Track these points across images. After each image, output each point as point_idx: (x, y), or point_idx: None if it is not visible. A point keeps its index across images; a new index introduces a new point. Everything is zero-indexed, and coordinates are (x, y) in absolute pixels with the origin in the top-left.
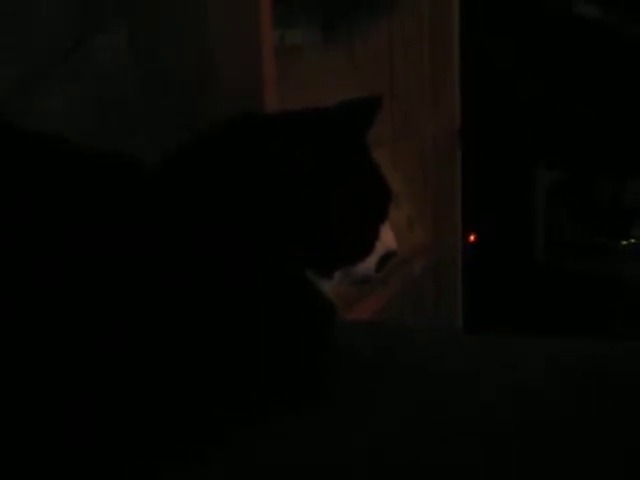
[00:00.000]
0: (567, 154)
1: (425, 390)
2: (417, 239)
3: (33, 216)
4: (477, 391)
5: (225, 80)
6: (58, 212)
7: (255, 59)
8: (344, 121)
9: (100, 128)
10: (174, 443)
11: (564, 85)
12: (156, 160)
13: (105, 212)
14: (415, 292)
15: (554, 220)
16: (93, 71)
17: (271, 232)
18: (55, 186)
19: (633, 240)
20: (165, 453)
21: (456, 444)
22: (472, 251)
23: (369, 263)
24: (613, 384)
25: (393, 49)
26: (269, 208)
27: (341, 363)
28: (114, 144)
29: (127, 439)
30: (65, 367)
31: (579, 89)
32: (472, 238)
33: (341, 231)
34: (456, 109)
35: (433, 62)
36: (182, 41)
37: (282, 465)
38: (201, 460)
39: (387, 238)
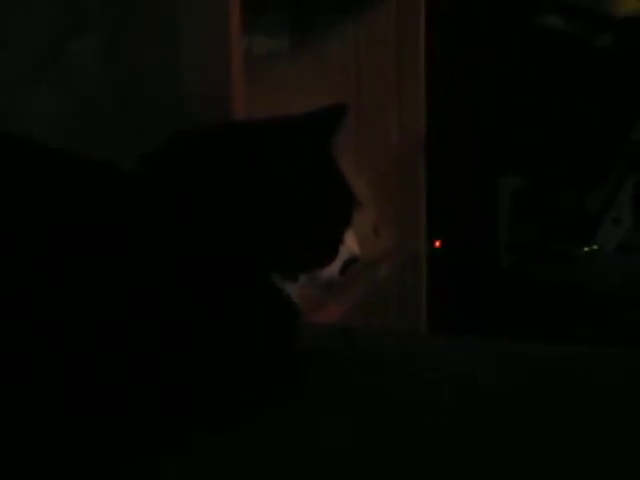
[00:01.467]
0: (530, 161)
1: (389, 390)
2: (382, 243)
3: (7, 219)
4: (439, 392)
5: (195, 86)
6: (34, 214)
7: (224, 66)
8: (310, 129)
9: (76, 130)
10: (140, 443)
11: (528, 93)
12: (130, 165)
13: (82, 215)
14: (380, 296)
15: (518, 226)
16: (70, 74)
17: (238, 236)
18: (30, 189)
19: (596, 246)
20: (130, 453)
21: (417, 446)
22: (437, 256)
23: (333, 267)
24: (575, 384)
25: (360, 56)
26: (237, 213)
27: (305, 364)
28: (90, 146)
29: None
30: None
31: (543, 97)
32: (438, 243)
33: (306, 236)
34: (421, 115)
35: (399, 68)
36: (153, 47)
37: (241, 465)
38: (155, 459)
39: (351, 243)
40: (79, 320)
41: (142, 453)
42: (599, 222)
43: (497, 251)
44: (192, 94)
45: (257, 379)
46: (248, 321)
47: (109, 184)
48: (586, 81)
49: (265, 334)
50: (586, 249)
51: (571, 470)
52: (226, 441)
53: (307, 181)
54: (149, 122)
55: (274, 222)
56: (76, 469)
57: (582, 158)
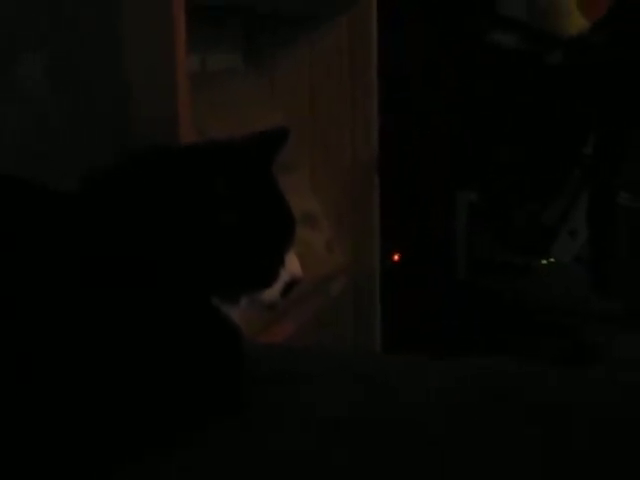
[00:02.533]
0: (487, 175)
1: (336, 407)
2: (336, 260)
3: None
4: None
5: (142, 103)
6: None
7: (170, 84)
8: (249, 153)
9: (22, 152)
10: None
11: (482, 109)
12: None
13: (17, 241)
14: (334, 313)
15: (475, 240)
16: (16, 96)
17: (178, 259)
18: None
19: (552, 259)
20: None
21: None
22: (395, 270)
23: (274, 290)
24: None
25: (313, 74)
26: (176, 236)
27: (246, 385)
28: (39, 164)
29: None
30: None
31: (497, 113)
32: (396, 258)
33: (246, 259)
34: (374, 133)
35: (353, 86)
36: (99, 66)
37: None
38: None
39: (292, 265)
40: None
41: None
42: (555, 235)
43: (454, 265)
44: (139, 112)
45: (197, 401)
46: (188, 345)
47: (39, 207)
48: (539, 97)
49: (205, 356)
50: (543, 261)
51: None
52: (163, 465)
53: (247, 205)
54: (97, 140)
55: (214, 245)
56: None
57: (537, 172)
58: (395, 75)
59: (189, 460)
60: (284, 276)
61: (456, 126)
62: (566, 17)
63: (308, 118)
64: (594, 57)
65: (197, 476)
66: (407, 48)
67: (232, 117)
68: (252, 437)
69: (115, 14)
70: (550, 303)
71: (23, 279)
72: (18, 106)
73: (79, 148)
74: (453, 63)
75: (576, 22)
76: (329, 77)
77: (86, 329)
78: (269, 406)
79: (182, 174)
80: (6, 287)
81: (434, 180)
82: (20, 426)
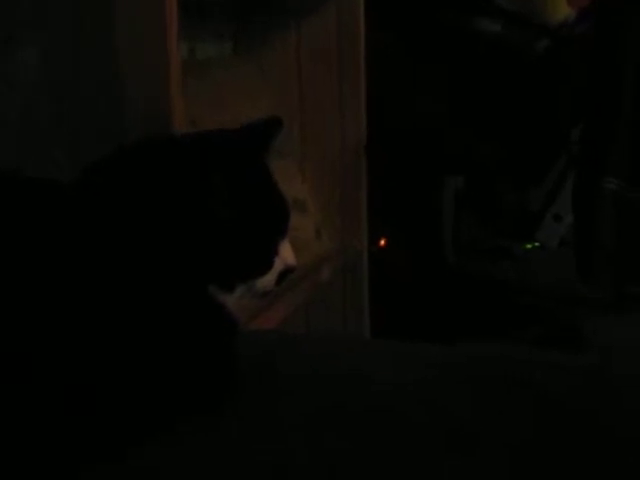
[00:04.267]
0: (473, 160)
1: (323, 396)
2: (325, 246)
3: None
4: (374, 395)
5: (133, 94)
6: None
7: (163, 74)
8: (244, 143)
9: (15, 145)
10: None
11: (469, 95)
12: (72, 177)
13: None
14: (323, 298)
15: (462, 224)
16: (6, 87)
17: (175, 249)
18: None
19: (537, 243)
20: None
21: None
22: (382, 255)
23: (269, 278)
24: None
25: (302, 61)
26: (172, 226)
27: (242, 375)
28: (30, 160)
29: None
30: None
31: (485, 100)
32: (382, 243)
33: (241, 248)
34: (362, 120)
35: (341, 73)
36: (90, 55)
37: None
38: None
39: (286, 254)
40: None
41: (69, 461)
42: (541, 219)
43: (442, 249)
44: (132, 102)
45: (194, 388)
46: (184, 332)
47: (42, 198)
48: (525, 84)
49: (202, 344)
50: (528, 246)
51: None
52: (158, 454)
53: (241, 194)
54: (89, 130)
55: (209, 235)
56: None
57: (524, 157)
58: (381, 61)
59: (179, 455)
60: (278, 265)
61: (442, 113)
62: (550, 5)
63: (297, 104)
64: (580, 46)
65: (188, 471)
66: (393, 34)
67: (222, 104)
68: (239, 430)
69: (108, 4)
70: (536, 287)
71: (18, 273)
72: (9, 96)
73: (70, 137)
74: (440, 48)
75: (561, 9)
76: (318, 63)
77: (81, 321)
78: (257, 399)
79: (177, 166)
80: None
81: (419, 165)
82: (8, 420)
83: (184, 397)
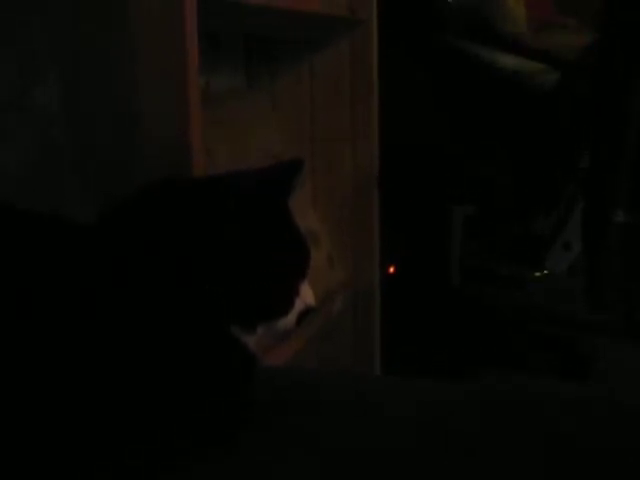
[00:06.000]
0: (483, 188)
1: (341, 438)
2: (337, 276)
3: None
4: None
5: (152, 127)
6: None
7: (182, 108)
8: (267, 185)
9: (35, 182)
10: None
11: (477, 126)
12: (91, 216)
13: (38, 274)
14: (335, 329)
15: (470, 251)
16: (27, 128)
17: (198, 290)
18: None
19: (546, 271)
20: None
21: None
22: (391, 282)
23: (290, 318)
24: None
25: (314, 94)
26: (195, 267)
27: (258, 413)
28: (49, 197)
29: None
30: None
31: (492, 130)
32: (391, 270)
33: (263, 289)
34: (375, 150)
35: (353, 104)
36: (110, 88)
37: None
38: None
39: (306, 294)
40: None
41: None
42: (550, 247)
43: (449, 277)
44: (150, 138)
45: (211, 422)
46: (207, 372)
47: (61, 239)
48: (536, 114)
49: (221, 380)
50: (537, 274)
51: None
52: None
53: (263, 236)
54: (105, 162)
55: (230, 277)
56: None
57: (533, 185)
58: (394, 91)
59: None
60: (299, 304)
61: (452, 142)
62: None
63: (309, 136)
64: (590, 79)
65: None
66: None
67: (235, 136)
68: (256, 466)
69: (129, 40)
70: (544, 315)
71: (44, 316)
72: (30, 132)
73: (88, 170)
74: (452, 79)
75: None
76: (330, 95)
77: (101, 360)
78: (274, 434)
79: (200, 208)
80: (27, 322)
81: (428, 193)
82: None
83: (202, 430)
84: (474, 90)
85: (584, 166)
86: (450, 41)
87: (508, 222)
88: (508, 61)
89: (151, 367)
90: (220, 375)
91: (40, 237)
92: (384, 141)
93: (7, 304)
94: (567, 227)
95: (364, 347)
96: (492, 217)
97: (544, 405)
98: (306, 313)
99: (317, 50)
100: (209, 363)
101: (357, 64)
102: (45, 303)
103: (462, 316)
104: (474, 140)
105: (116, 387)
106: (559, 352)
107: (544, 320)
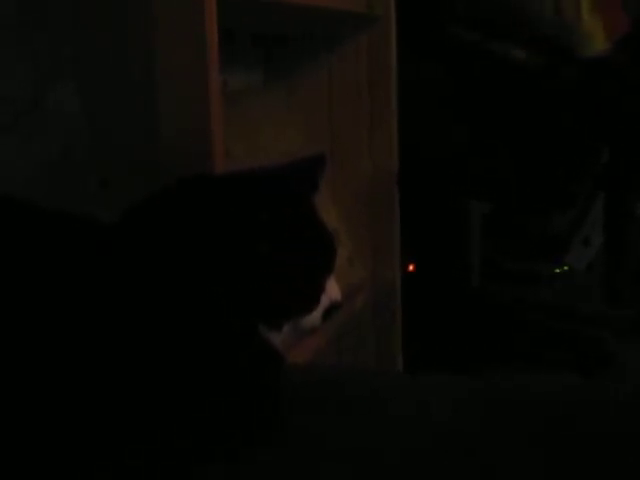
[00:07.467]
0: (501, 184)
1: (370, 435)
2: (358, 274)
3: None
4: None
5: (172, 128)
6: (13, 271)
7: (202, 107)
8: (292, 181)
9: (53, 184)
10: None
11: (494, 122)
12: (112, 215)
13: (61, 273)
14: (356, 327)
15: (489, 248)
16: (46, 128)
17: (225, 288)
18: (9, 245)
19: (566, 267)
20: None
21: None
22: (410, 280)
23: (315, 315)
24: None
25: (333, 91)
26: (223, 266)
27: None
28: (67, 198)
29: None
30: None
31: (508, 126)
32: (411, 268)
33: (289, 286)
34: (394, 148)
35: (372, 102)
36: (129, 88)
37: None
38: None
39: (332, 291)
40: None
41: None
42: (569, 243)
43: (469, 275)
44: (170, 137)
45: (240, 422)
46: (235, 370)
47: (87, 237)
48: (554, 110)
49: (248, 379)
50: (557, 270)
51: None
52: None
53: (289, 233)
54: (123, 162)
55: (256, 274)
56: None
57: (551, 182)
58: (412, 90)
59: None
60: (324, 301)
61: (469, 140)
62: (587, 39)
63: (327, 134)
64: (615, 77)
65: None
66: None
67: (252, 134)
68: (285, 467)
69: (148, 40)
70: (564, 311)
71: (67, 317)
72: (49, 132)
73: (107, 170)
74: (469, 75)
75: (598, 44)
76: (349, 93)
77: (126, 360)
78: (305, 435)
79: (225, 206)
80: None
81: (449, 193)
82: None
83: (230, 430)
84: (491, 87)
85: (603, 161)
86: (463, 35)
87: (525, 218)
88: (521, 54)
89: (174, 366)
90: (247, 375)
91: (63, 235)
92: (402, 139)
93: (24, 300)
94: (586, 222)
95: (385, 345)
96: (509, 213)
97: (556, 404)
98: (332, 309)
99: (335, 47)
100: (236, 363)
101: (375, 61)
102: (64, 302)
103: (479, 312)
104: (491, 137)
105: (132, 385)
106: (578, 349)
107: (563, 317)
